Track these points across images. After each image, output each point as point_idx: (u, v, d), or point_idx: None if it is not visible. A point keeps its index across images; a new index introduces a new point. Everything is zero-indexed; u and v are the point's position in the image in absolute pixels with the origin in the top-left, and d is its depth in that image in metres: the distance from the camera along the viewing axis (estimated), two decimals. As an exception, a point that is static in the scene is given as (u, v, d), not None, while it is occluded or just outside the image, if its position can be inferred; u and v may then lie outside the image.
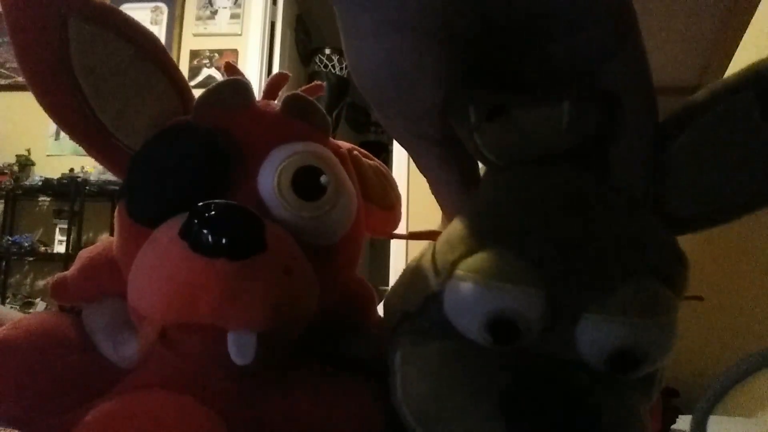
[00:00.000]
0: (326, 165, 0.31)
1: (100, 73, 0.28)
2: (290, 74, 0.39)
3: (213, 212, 0.24)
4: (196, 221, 0.24)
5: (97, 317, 0.29)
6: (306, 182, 0.29)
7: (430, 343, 0.25)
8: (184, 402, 0.24)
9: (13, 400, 0.24)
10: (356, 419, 0.29)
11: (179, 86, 0.31)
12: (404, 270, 0.30)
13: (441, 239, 0.27)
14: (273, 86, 0.37)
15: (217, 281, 0.23)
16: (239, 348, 0.23)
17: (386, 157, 2.27)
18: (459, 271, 0.24)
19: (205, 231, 0.23)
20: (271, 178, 0.29)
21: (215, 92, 0.31)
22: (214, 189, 0.28)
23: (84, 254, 0.32)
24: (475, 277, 0.23)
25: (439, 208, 0.31)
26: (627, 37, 0.22)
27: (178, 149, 0.29)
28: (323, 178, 0.30)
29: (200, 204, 0.25)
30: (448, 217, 0.31)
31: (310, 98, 0.33)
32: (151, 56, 0.30)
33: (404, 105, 0.25)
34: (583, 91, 0.22)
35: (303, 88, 0.37)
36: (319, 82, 0.39)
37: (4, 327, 0.26)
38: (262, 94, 0.37)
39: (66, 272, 0.31)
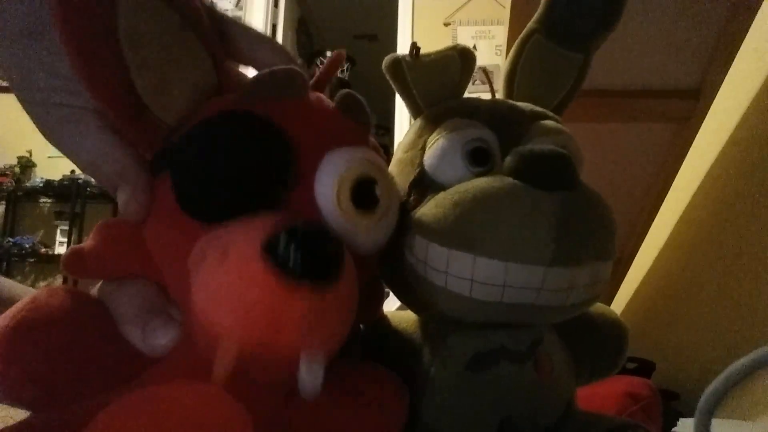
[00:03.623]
0: (379, 173, 0.30)
1: (146, 43, 0.25)
2: (344, 52, 0.38)
3: (301, 235, 0.23)
4: (282, 242, 0.22)
5: (124, 302, 0.26)
6: (363, 193, 0.28)
7: (433, 198, 0.34)
8: (209, 390, 0.22)
9: (34, 383, 0.22)
10: (378, 409, 0.29)
11: (217, 59, 0.29)
12: None
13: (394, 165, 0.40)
14: (333, 64, 0.36)
15: (302, 311, 0.22)
16: (310, 376, 0.23)
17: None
18: (431, 140, 0.36)
19: (292, 255, 0.22)
20: (330, 187, 0.27)
21: (269, 80, 0.28)
22: (276, 189, 0.26)
23: (104, 226, 0.28)
24: (444, 132, 0.36)
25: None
26: None
27: (239, 142, 0.26)
28: (378, 189, 0.29)
29: (285, 223, 0.23)
30: None
31: (360, 97, 0.32)
32: (193, 25, 0.27)
33: None
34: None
35: (328, 61, 0.36)
36: (341, 52, 0.37)
37: (21, 307, 0.23)
38: (318, 75, 0.35)
39: (82, 244, 0.27)
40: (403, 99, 0.42)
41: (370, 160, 0.30)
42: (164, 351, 0.25)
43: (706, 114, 0.96)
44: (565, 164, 0.31)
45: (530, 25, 0.40)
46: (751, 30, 0.84)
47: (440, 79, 0.39)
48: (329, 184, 0.27)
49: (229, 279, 0.22)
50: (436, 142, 0.36)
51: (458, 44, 0.39)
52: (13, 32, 0.25)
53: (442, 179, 0.35)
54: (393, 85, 0.41)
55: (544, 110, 0.39)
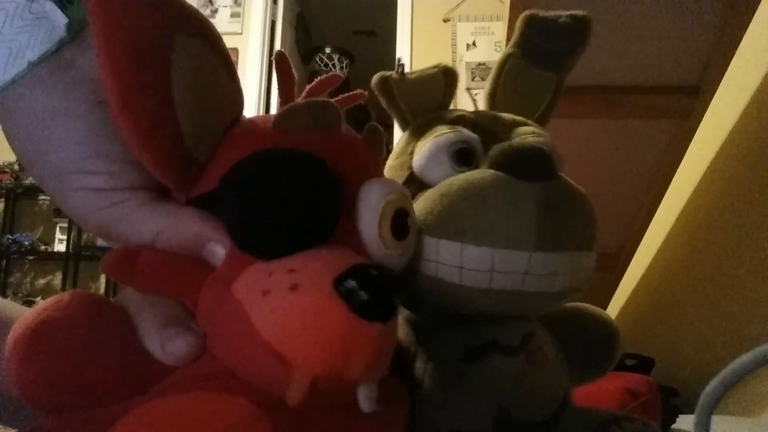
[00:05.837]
0: (409, 204, 0.32)
1: (195, 90, 0.25)
2: (342, 76, 0.42)
3: (372, 278, 0.25)
4: (355, 284, 0.24)
5: (146, 310, 0.26)
6: (399, 223, 0.30)
7: (422, 195, 0.36)
8: (232, 400, 0.22)
9: (51, 385, 0.22)
10: (382, 408, 0.29)
11: (240, 90, 0.30)
12: None
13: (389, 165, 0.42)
14: (322, 87, 0.39)
15: (372, 344, 0.24)
16: (369, 398, 0.25)
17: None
18: (419, 145, 0.39)
19: (365, 296, 0.24)
20: (373, 217, 0.29)
21: (306, 111, 0.29)
22: (332, 224, 0.28)
23: (167, 241, 0.26)
24: (431, 137, 0.38)
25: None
26: None
27: (292, 181, 0.27)
28: (410, 220, 0.31)
29: (356, 266, 0.25)
30: None
31: (382, 130, 0.34)
32: (226, 63, 0.28)
33: None
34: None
35: (344, 96, 0.39)
36: (362, 91, 0.41)
37: (45, 307, 0.23)
38: (306, 92, 0.38)
39: (134, 248, 0.26)
40: (391, 113, 0.44)
41: (402, 191, 0.31)
42: (182, 360, 0.25)
43: (706, 110, 0.96)
44: (544, 156, 0.33)
45: (507, 49, 0.45)
46: (750, 26, 0.84)
47: (425, 94, 0.43)
48: (372, 216, 0.29)
49: (305, 313, 0.24)
50: (423, 146, 0.38)
51: (441, 63, 0.44)
52: (44, 114, 0.24)
53: (430, 179, 0.37)
54: (381, 101, 0.44)
55: (525, 119, 0.42)
